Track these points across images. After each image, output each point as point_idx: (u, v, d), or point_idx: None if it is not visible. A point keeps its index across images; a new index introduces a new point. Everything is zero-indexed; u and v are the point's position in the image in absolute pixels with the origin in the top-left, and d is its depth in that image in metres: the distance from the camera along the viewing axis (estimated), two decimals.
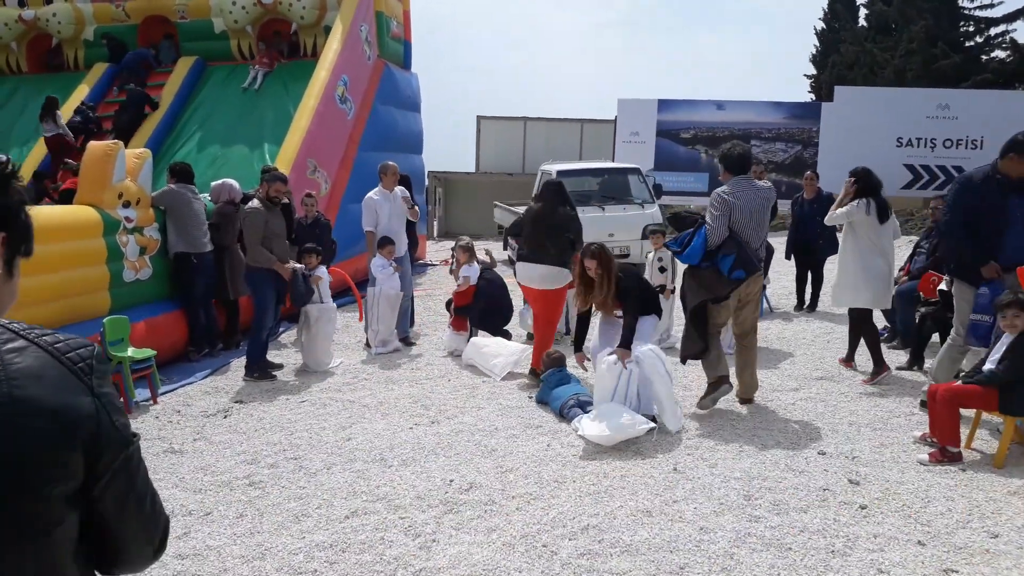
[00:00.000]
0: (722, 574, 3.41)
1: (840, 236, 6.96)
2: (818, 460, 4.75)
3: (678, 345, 7.62)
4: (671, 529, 3.84)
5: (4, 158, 1.34)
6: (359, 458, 4.96)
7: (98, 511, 1.25)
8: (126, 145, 8.59)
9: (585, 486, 4.40)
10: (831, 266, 7.55)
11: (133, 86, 12.18)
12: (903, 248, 13.69)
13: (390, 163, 8.25)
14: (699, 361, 5.98)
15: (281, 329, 8.94)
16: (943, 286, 6.62)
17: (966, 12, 27.40)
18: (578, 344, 6.16)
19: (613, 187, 13.23)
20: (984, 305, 5.40)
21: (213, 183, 8.47)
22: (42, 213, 7.00)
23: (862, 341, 6.78)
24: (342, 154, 11.48)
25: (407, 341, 8.27)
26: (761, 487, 4.34)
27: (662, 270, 7.94)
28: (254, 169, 9.85)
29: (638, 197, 12.92)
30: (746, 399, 5.95)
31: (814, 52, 33.18)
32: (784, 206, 12.34)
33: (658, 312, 6.24)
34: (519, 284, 7.08)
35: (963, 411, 4.94)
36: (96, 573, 1.33)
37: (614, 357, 5.48)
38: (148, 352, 6.50)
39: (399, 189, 8.23)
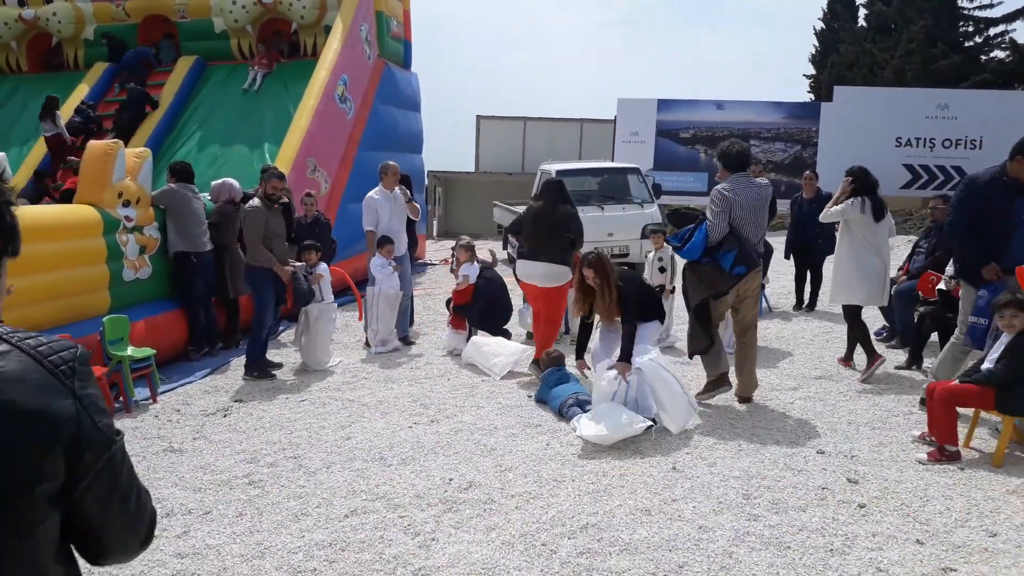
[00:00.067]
0: (721, 573, 3.41)
1: (838, 235, 7.00)
2: (817, 459, 4.76)
3: (678, 344, 7.70)
4: (670, 528, 3.84)
5: None
6: (358, 457, 4.96)
7: (81, 509, 1.27)
8: (126, 144, 8.60)
9: (584, 485, 4.41)
10: (830, 265, 7.56)
11: (133, 85, 12.18)
12: (902, 248, 13.71)
13: (391, 163, 8.26)
14: (701, 358, 6.07)
15: (281, 328, 8.95)
16: (941, 285, 6.63)
17: (965, 12, 27.40)
18: (579, 351, 6.14)
19: (612, 187, 13.23)
20: (981, 308, 5.42)
21: (213, 182, 8.48)
22: (42, 212, 7.02)
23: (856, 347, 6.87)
24: (342, 153, 11.49)
25: (406, 340, 8.28)
26: (760, 486, 4.34)
27: (662, 270, 7.95)
28: (254, 169, 9.86)
29: (637, 197, 12.92)
30: (745, 398, 5.96)
31: (813, 52, 33.18)
32: (783, 206, 12.35)
33: (660, 317, 6.12)
34: (520, 282, 7.11)
35: (963, 410, 4.96)
36: (82, 567, 1.36)
37: (614, 372, 5.35)
38: (148, 351, 6.50)
39: (398, 187, 8.24)
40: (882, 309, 7.86)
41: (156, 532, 4.03)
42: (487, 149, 26.36)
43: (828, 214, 6.71)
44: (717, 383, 5.97)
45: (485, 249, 8.79)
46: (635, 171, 13.66)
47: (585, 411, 5.40)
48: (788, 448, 4.96)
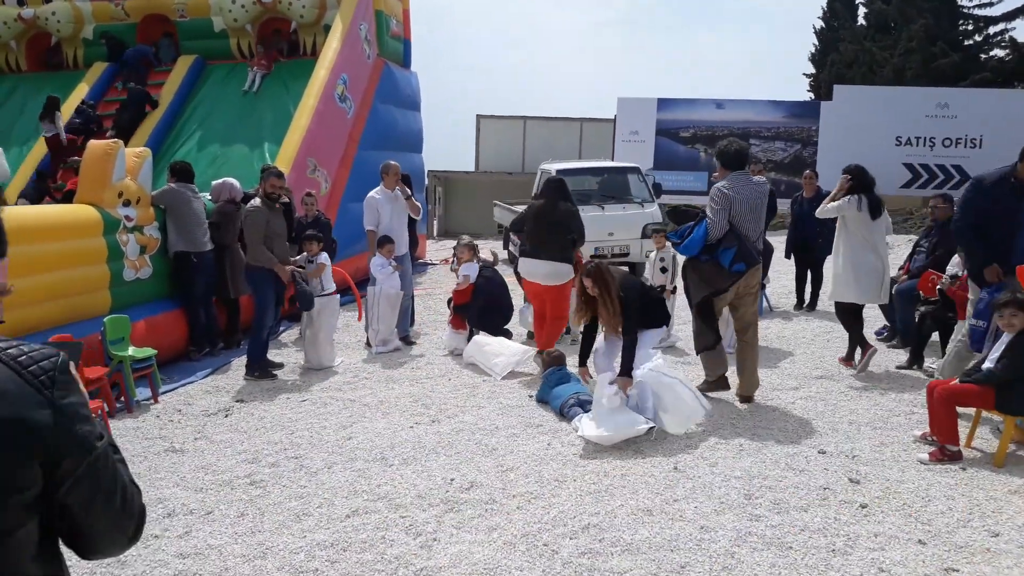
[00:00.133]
0: (723, 573, 3.41)
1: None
2: (818, 459, 4.76)
3: (679, 344, 7.69)
4: (672, 528, 3.84)
5: None
6: (360, 457, 4.96)
7: (64, 511, 1.32)
8: (126, 144, 8.59)
9: (586, 485, 4.41)
10: (830, 264, 7.57)
11: (133, 85, 12.18)
12: (903, 247, 13.71)
13: (392, 163, 8.25)
14: (701, 358, 6.12)
15: (281, 328, 8.95)
16: (940, 285, 6.62)
17: (965, 11, 27.39)
18: (582, 358, 6.14)
19: (613, 186, 13.21)
20: (981, 310, 5.43)
21: (214, 182, 8.47)
22: (42, 212, 7.02)
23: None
24: (342, 153, 11.48)
25: (407, 340, 8.27)
26: (761, 486, 4.34)
27: (664, 270, 7.94)
28: (254, 168, 9.85)
29: (638, 196, 12.90)
30: (746, 397, 5.96)
31: (813, 51, 33.18)
32: (784, 205, 12.35)
33: (664, 321, 6.02)
34: (522, 280, 7.13)
35: (967, 410, 4.97)
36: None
37: (615, 388, 5.25)
38: (149, 351, 6.50)
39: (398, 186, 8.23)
40: (883, 309, 7.86)
41: (158, 532, 4.03)
42: (487, 148, 26.35)
43: (824, 209, 6.82)
44: (716, 385, 6.04)
45: (487, 249, 8.77)
46: (635, 170, 13.65)
47: (586, 411, 5.40)
48: (789, 448, 4.96)
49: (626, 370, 5.35)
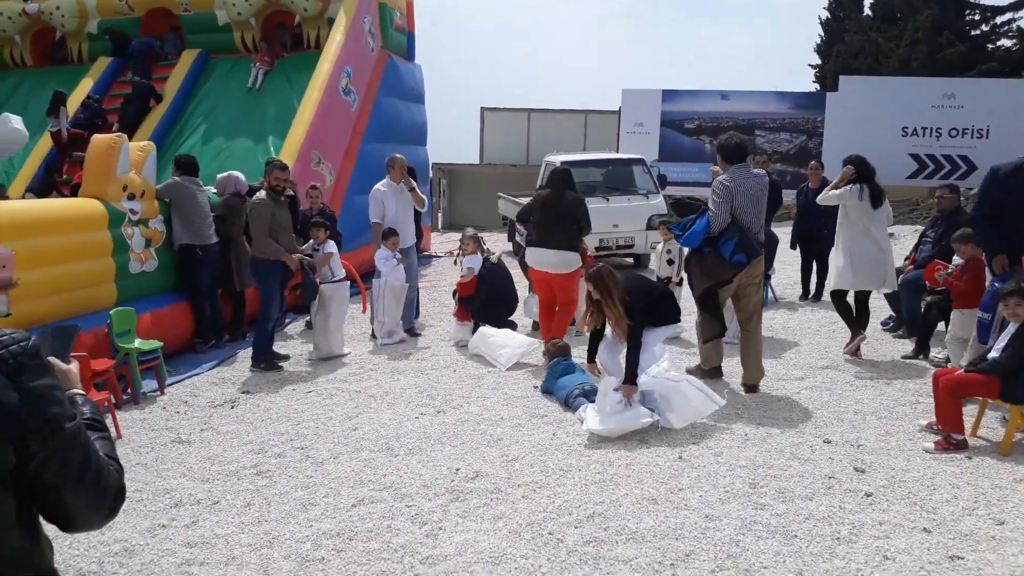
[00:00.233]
0: (728, 561, 3.42)
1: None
2: (823, 448, 4.76)
3: (684, 335, 7.68)
4: (676, 517, 3.85)
5: None
6: (366, 447, 4.98)
7: (38, 488, 1.42)
8: (131, 138, 8.60)
9: (590, 474, 4.42)
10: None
11: (139, 79, 12.18)
12: (909, 237, 13.66)
13: (398, 156, 8.25)
14: (699, 347, 6.23)
15: (287, 320, 8.97)
16: (937, 275, 6.58)
17: (972, 1, 27.24)
18: (591, 354, 6.14)
19: (617, 178, 13.20)
20: (986, 303, 5.43)
21: (219, 175, 8.49)
22: (47, 206, 7.04)
23: (867, 327, 7.03)
24: (346, 146, 11.48)
25: (412, 332, 8.29)
26: (766, 475, 4.34)
27: (670, 262, 7.92)
28: (259, 162, 9.86)
29: (642, 188, 12.89)
30: (751, 386, 5.97)
31: (819, 42, 33.03)
32: (789, 196, 12.31)
33: (675, 318, 5.84)
34: (529, 269, 7.16)
35: (974, 399, 4.96)
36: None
37: (619, 396, 5.16)
38: (155, 343, 6.53)
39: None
40: (889, 299, 7.85)
41: (165, 522, 4.06)
42: (491, 141, 26.32)
43: (826, 197, 6.92)
44: (709, 374, 6.17)
45: (493, 254, 8.72)
46: (640, 162, 13.63)
47: (591, 401, 5.40)
48: (795, 437, 4.95)
49: (631, 378, 5.23)
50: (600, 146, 21.94)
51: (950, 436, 4.69)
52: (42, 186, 10.72)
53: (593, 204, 10.70)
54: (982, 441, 4.88)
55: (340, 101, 11.27)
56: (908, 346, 7.11)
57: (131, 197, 7.28)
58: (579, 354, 6.61)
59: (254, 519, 4.00)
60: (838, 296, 7.04)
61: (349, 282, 7.85)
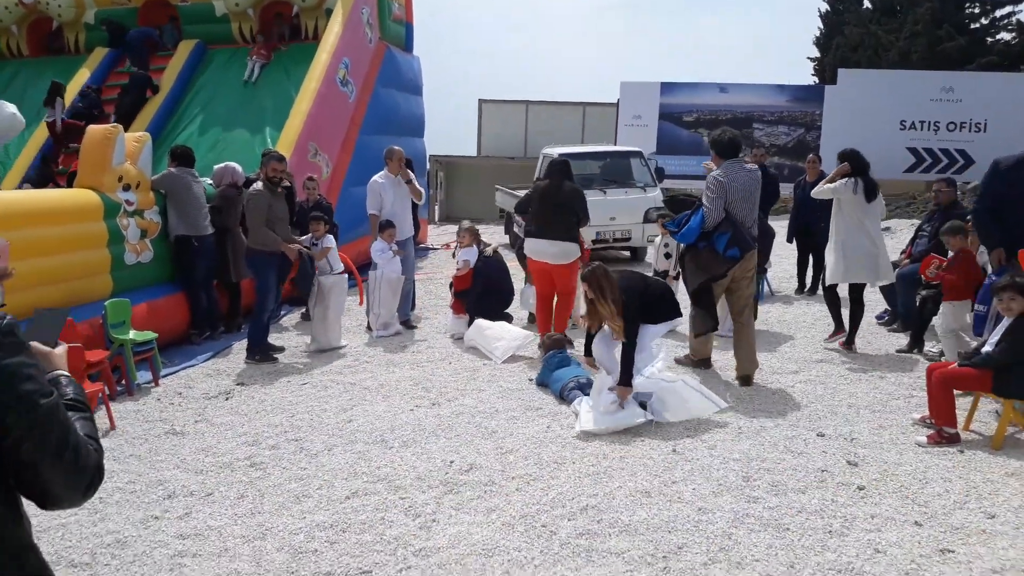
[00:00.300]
0: (720, 554, 3.43)
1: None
2: (817, 442, 4.77)
3: (679, 328, 7.68)
4: (670, 509, 3.86)
5: None
6: (360, 439, 4.98)
7: (14, 463, 1.45)
8: (127, 129, 8.58)
9: (584, 467, 4.43)
10: None
11: (136, 69, 12.14)
12: (905, 231, 13.67)
13: (396, 148, 8.22)
14: (689, 340, 6.35)
15: (282, 312, 8.97)
16: (928, 272, 6.59)
17: None
18: (588, 348, 6.14)
19: (615, 170, 13.18)
20: (982, 295, 5.44)
21: (216, 166, 8.48)
22: (42, 196, 7.02)
23: (861, 321, 7.04)
24: (343, 137, 11.45)
25: (408, 324, 8.29)
26: (760, 468, 4.35)
27: (668, 256, 7.92)
28: (255, 153, 9.82)
29: (640, 180, 12.88)
30: (745, 377, 5.99)
31: (818, 34, 32.95)
32: (786, 189, 12.30)
33: (674, 315, 5.66)
34: (528, 260, 7.17)
35: (966, 393, 4.97)
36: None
37: (613, 396, 5.13)
38: (150, 335, 6.53)
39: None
40: (884, 292, 7.86)
41: (158, 513, 4.06)
42: (489, 133, 26.23)
43: (820, 190, 6.94)
44: (698, 364, 6.32)
45: (488, 248, 8.70)
46: (638, 155, 13.62)
47: (586, 394, 5.40)
48: (788, 431, 4.97)
49: (625, 379, 5.18)
50: (598, 139, 21.86)
51: (943, 430, 4.70)
52: (39, 176, 10.69)
53: (590, 197, 10.69)
54: (974, 435, 4.89)
55: (337, 92, 11.24)
56: (903, 340, 7.12)
57: (127, 188, 7.27)
58: (578, 346, 6.63)
59: (247, 511, 4.00)
60: (831, 290, 7.10)
61: (347, 275, 7.85)
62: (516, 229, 11.70)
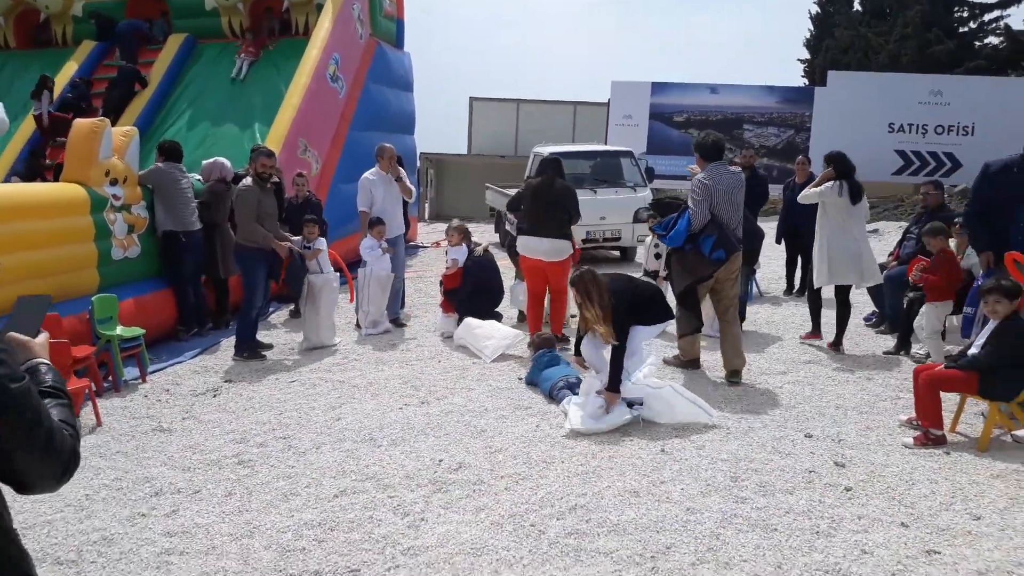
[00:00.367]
0: (708, 554, 3.44)
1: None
2: (804, 443, 4.79)
3: (668, 329, 7.69)
4: (658, 509, 3.87)
5: None
6: (348, 438, 4.97)
7: None
8: (115, 123, 8.52)
9: (573, 466, 4.43)
10: None
11: (125, 63, 12.05)
12: (893, 233, 13.75)
13: (387, 145, 8.20)
14: (678, 340, 6.43)
15: (271, 309, 8.93)
16: (912, 275, 6.61)
17: None
18: (578, 348, 6.13)
19: (605, 170, 13.20)
20: (970, 297, 5.48)
21: (205, 161, 8.43)
22: (28, 190, 6.96)
23: (848, 322, 7.09)
24: (333, 133, 11.41)
25: (397, 322, 8.27)
26: (748, 469, 4.37)
27: (658, 256, 7.93)
28: (244, 148, 9.78)
29: (630, 180, 12.90)
30: (733, 371, 6.06)
31: (808, 36, 33.10)
32: (776, 191, 12.34)
33: (665, 318, 5.62)
34: (521, 257, 7.18)
35: (952, 395, 5.00)
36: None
37: (601, 400, 5.12)
38: (137, 331, 6.48)
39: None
40: (872, 294, 7.90)
41: (145, 511, 4.04)
42: (480, 131, 26.20)
43: (806, 195, 7.00)
44: (687, 364, 6.39)
45: (478, 233, 8.73)
46: (628, 154, 13.64)
47: (575, 393, 5.40)
48: (776, 431, 4.98)
49: (613, 385, 5.16)
50: (589, 138, 21.87)
51: (929, 431, 4.73)
52: (28, 170, 10.61)
53: (580, 196, 10.73)
54: (961, 437, 4.93)
55: (328, 88, 11.20)
56: (890, 342, 7.15)
57: (113, 182, 7.21)
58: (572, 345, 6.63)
59: (235, 509, 3.98)
60: (815, 292, 7.19)
61: (338, 274, 7.83)
62: (508, 227, 11.70)
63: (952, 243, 6.87)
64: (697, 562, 3.37)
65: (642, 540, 3.56)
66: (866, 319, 8.08)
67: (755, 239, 7.70)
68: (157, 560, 3.49)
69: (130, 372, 6.42)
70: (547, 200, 7.01)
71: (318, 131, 10.84)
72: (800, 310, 8.79)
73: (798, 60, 33.75)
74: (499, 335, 7.08)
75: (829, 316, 7.26)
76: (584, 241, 11.45)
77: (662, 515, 3.80)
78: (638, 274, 7.64)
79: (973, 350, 4.79)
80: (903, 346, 6.91)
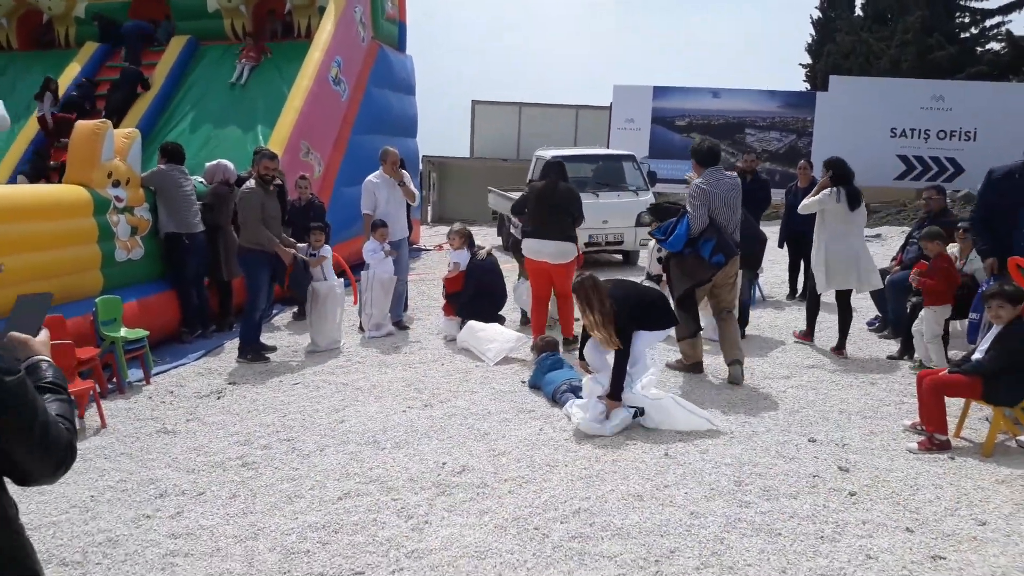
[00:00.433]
0: (712, 558, 3.43)
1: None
2: (808, 447, 4.78)
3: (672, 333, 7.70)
4: (662, 513, 3.87)
5: None
6: (352, 440, 4.97)
7: None
8: (118, 125, 8.53)
9: (577, 470, 4.43)
10: None
11: (128, 65, 12.07)
12: (896, 239, 13.74)
13: (391, 149, 8.21)
14: (679, 344, 6.48)
15: (274, 312, 8.93)
16: (911, 279, 6.61)
17: (962, 3, 27.43)
18: (582, 352, 6.13)
19: (607, 174, 13.20)
20: (975, 303, 5.48)
21: (208, 164, 8.44)
22: (32, 192, 6.97)
23: (851, 327, 7.11)
24: (335, 136, 11.42)
25: (401, 325, 8.27)
26: (752, 473, 4.37)
27: (660, 260, 7.92)
28: (247, 151, 9.79)
29: (632, 184, 12.91)
30: (734, 361, 6.13)
31: (810, 41, 33.14)
32: (778, 195, 12.34)
33: (669, 324, 5.60)
34: (527, 260, 7.20)
35: (957, 400, 5.00)
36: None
37: (602, 407, 5.09)
38: (141, 332, 6.48)
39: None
40: (875, 299, 7.90)
41: (150, 512, 4.04)
42: (482, 134, 26.25)
43: (806, 206, 7.02)
44: (690, 368, 6.41)
45: (481, 236, 8.74)
46: (630, 158, 13.64)
47: (578, 397, 5.40)
48: (780, 436, 4.98)
49: (615, 392, 5.15)
50: (591, 142, 21.91)
51: (933, 436, 4.73)
52: (33, 171, 10.63)
53: (583, 200, 10.73)
54: (965, 442, 4.92)
55: (330, 91, 11.21)
56: (893, 346, 7.16)
57: (116, 184, 7.22)
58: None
59: (239, 511, 3.98)
60: (814, 297, 7.25)
61: (342, 279, 7.84)
62: (512, 230, 11.71)
63: (955, 248, 6.87)
64: (701, 566, 3.37)
65: (646, 544, 3.56)
66: (869, 324, 8.08)
67: (757, 243, 7.71)
68: (162, 562, 3.49)
69: (134, 374, 6.42)
70: (551, 203, 7.03)
71: (320, 134, 10.86)
72: (803, 314, 8.78)
73: (800, 65, 33.82)
74: (502, 338, 7.08)
75: (830, 321, 7.27)
76: (587, 244, 11.45)
77: (666, 519, 3.80)
78: (640, 278, 7.65)
79: (977, 355, 4.80)
80: (907, 351, 6.90)
